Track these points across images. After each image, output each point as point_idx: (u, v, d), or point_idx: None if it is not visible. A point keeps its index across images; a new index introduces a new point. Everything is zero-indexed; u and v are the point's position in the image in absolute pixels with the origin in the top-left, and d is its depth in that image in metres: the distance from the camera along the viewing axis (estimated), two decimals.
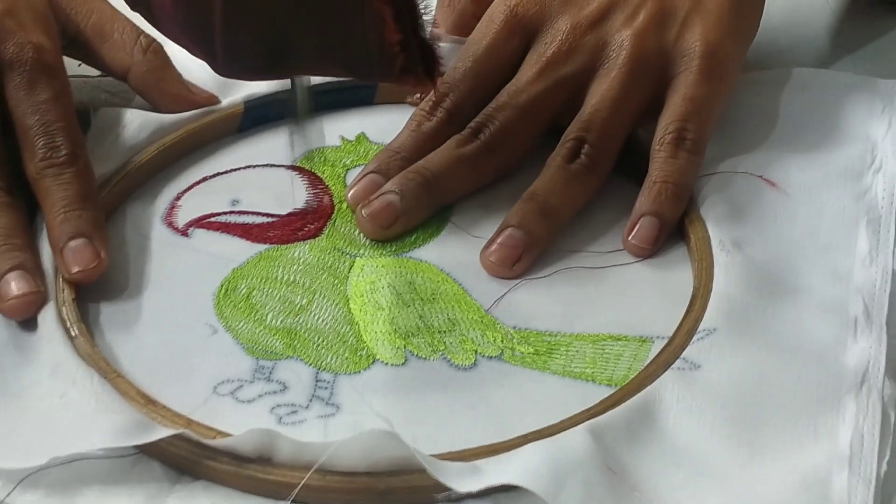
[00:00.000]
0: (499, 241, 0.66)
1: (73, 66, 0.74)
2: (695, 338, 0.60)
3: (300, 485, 0.53)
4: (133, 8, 0.60)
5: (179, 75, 0.75)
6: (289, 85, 0.73)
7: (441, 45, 0.75)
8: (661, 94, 0.70)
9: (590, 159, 0.68)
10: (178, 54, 0.74)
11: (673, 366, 0.59)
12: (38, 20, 0.70)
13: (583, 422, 0.56)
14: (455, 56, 0.73)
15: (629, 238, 0.66)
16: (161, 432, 0.56)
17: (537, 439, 0.55)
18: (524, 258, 0.65)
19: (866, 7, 0.84)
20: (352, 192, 0.69)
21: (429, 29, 0.58)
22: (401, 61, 0.58)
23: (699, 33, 0.70)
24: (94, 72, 0.76)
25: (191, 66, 0.74)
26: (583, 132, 0.68)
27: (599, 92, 0.69)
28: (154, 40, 0.74)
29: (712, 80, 0.69)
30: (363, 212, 0.67)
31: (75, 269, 0.64)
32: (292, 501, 0.54)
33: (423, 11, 0.58)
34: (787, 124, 0.72)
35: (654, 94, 0.70)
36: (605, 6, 0.71)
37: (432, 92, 0.71)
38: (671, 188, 0.67)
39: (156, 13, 0.59)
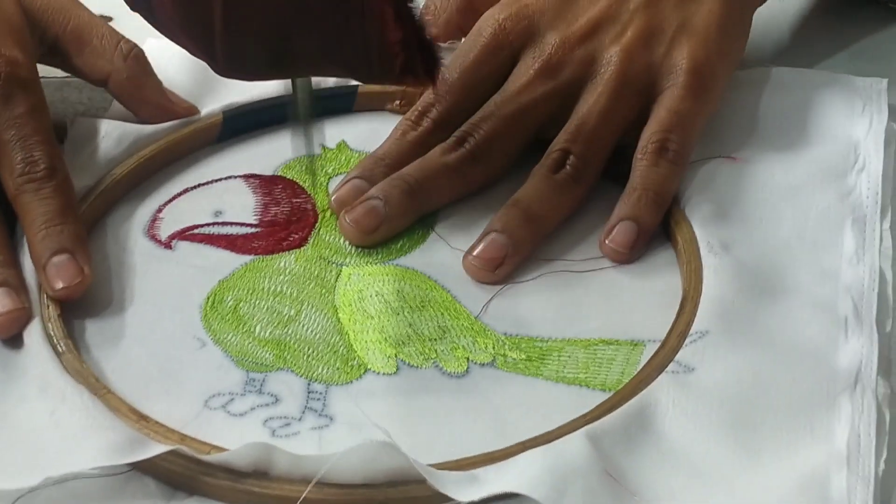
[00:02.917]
0: (482, 245, 0.66)
1: (44, 68, 0.73)
2: (687, 340, 0.60)
3: (301, 498, 0.53)
4: (133, 8, 0.60)
5: (160, 84, 0.74)
6: (274, 93, 0.74)
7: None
8: (646, 109, 0.70)
9: (575, 170, 0.68)
10: (157, 61, 0.74)
11: (667, 369, 0.59)
12: (12, 33, 0.69)
13: (580, 427, 0.56)
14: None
15: (606, 241, 0.66)
16: (155, 449, 0.55)
17: (535, 446, 0.55)
18: (507, 263, 0.65)
19: (849, 5, 0.84)
20: (335, 196, 0.69)
21: (428, 29, 0.58)
22: (401, 61, 0.58)
23: (687, 51, 0.70)
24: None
25: (170, 75, 0.74)
26: (569, 143, 0.69)
27: (586, 105, 0.69)
28: (134, 46, 0.73)
29: (698, 96, 0.69)
30: (346, 217, 0.67)
31: (59, 286, 0.63)
32: None
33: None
34: (767, 124, 0.72)
35: (640, 109, 0.70)
36: (594, 22, 0.71)
37: (419, 101, 0.71)
38: (651, 195, 0.67)
39: (156, 13, 0.59)
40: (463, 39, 0.74)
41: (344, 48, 0.57)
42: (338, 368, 0.61)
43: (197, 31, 0.58)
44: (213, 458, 0.55)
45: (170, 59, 0.75)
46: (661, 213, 0.67)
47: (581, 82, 0.70)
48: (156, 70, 0.74)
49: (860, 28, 0.83)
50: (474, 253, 0.66)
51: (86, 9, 0.74)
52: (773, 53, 0.80)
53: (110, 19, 0.81)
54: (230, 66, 0.59)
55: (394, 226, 0.67)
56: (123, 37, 0.73)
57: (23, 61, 0.68)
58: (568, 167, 0.68)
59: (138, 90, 0.73)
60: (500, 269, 0.65)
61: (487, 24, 0.72)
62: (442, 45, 0.76)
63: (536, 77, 0.70)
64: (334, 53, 0.58)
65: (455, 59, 0.72)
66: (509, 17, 0.72)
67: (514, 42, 0.72)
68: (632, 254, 0.66)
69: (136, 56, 0.73)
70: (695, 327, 0.60)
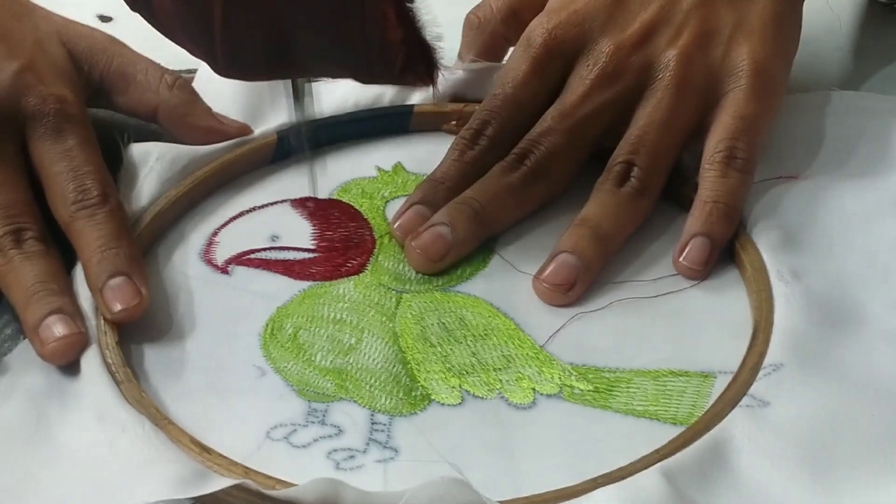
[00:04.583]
0: (552, 266, 0.64)
1: None
2: (761, 373, 0.59)
3: None
4: (133, 8, 0.59)
5: (208, 108, 0.73)
6: (328, 112, 0.73)
7: (473, 69, 0.75)
8: (707, 113, 0.68)
9: (640, 182, 0.67)
10: (206, 88, 0.73)
11: (740, 403, 0.57)
12: (59, 74, 0.69)
13: (653, 463, 0.55)
14: (493, 81, 0.72)
15: (680, 259, 0.65)
16: (219, 482, 0.54)
17: (608, 483, 0.54)
18: (578, 284, 0.64)
19: (848, 5, 0.83)
20: (398, 223, 0.67)
21: (428, 28, 0.57)
22: (401, 60, 0.57)
23: (746, 51, 0.69)
24: None
25: (220, 100, 0.73)
26: (632, 155, 0.67)
27: (646, 113, 0.68)
28: (179, 77, 0.73)
29: (762, 98, 0.68)
30: (413, 244, 0.66)
31: (117, 308, 0.62)
32: None
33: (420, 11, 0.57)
34: (834, 150, 0.71)
35: (702, 113, 0.69)
36: (647, 26, 0.70)
37: (473, 119, 0.70)
38: (722, 208, 0.65)
39: (156, 13, 0.58)
40: (511, 50, 0.73)
41: (344, 48, 0.57)
42: (401, 399, 0.60)
43: (197, 31, 0.57)
44: (279, 493, 0.54)
45: (219, 89, 0.73)
46: (734, 225, 0.66)
47: (639, 89, 0.69)
48: (205, 96, 0.73)
49: (860, 28, 0.82)
50: (544, 276, 0.64)
51: (127, 47, 0.73)
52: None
53: (110, 19, 0.81)
54: (230, 66, 0.59)
55: (461, 251, 0.66)
56: (167, 69, 0.73)
57: (71, 99, 0.68)
58: (633, 180, 0.67)
59: (187, 117, 0.72)
60: (573, 290, 0.64)
61: (537, 33, 0.71)
62: (480, 62, 0.75)
63: (593, 87, 0.69)
64: (334, 53, 0.57)
65: (507, 72, 0.71)
66: (559, 24, 0.70)
67: (566, 51, 0.70)
68: (707, 270, 0.64)
69: (182, 85, 0.73)
70: (768, 360, 0.59)
